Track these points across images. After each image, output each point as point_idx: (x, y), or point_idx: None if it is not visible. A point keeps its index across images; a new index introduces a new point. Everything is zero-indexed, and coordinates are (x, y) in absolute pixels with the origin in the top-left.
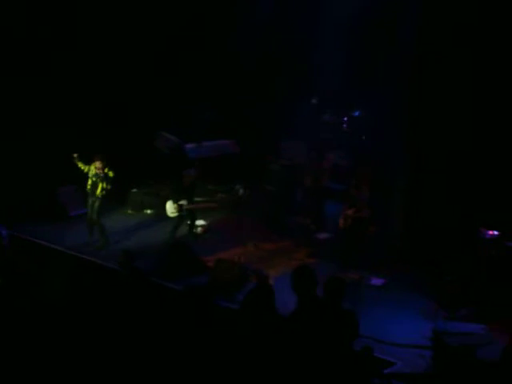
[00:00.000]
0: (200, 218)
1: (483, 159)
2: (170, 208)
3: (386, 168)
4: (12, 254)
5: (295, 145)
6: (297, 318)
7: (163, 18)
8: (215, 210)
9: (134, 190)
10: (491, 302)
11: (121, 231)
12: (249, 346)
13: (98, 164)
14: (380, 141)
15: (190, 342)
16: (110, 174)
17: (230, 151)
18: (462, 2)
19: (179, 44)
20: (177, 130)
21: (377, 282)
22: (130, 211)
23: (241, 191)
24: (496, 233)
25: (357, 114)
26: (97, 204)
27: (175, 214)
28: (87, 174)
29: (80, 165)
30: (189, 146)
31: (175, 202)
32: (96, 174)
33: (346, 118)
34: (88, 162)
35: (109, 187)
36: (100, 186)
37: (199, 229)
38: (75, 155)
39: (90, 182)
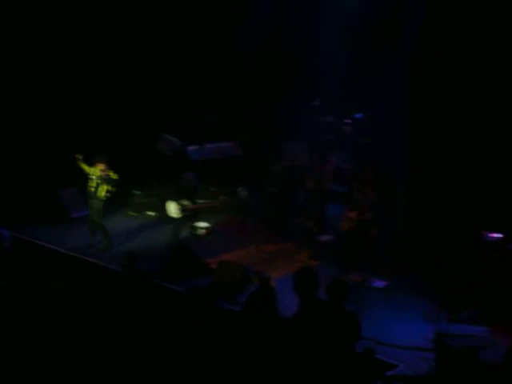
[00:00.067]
0: (203, 220)
1: (486, 162)
2: (173, 209)
3: (388, 171)
4: (14, 255)
5: (297, 146)
6: (299, 320)
7: (164, 18)
8: (217, 212)
9: (137, 192)
10: (493, 305)
11: (123, 233)
12: (251, 347)
13: (101, 166)
14: (382, 143)
15: (192, 344)
16: (114, 176)
17: (231, 153)
18: (464, 4)
19: (180, 45)
20: (179, 132)
21: (379, 284)
22: (132, 213)
23: (243, 193)
24: (498, 235)
25: (360, 116)
26: (99, 206)
27: (178, 215)
28: (89, 175)
29: (84, 166)
30: (191, 148)
31: (177, 202)
32: (100, 177)
33: (348, 120)
34: (90, 164)
35: (114, 189)
36: (104, 188)
37: (202, 231)
38: (79, 156)
39: (93, 184)
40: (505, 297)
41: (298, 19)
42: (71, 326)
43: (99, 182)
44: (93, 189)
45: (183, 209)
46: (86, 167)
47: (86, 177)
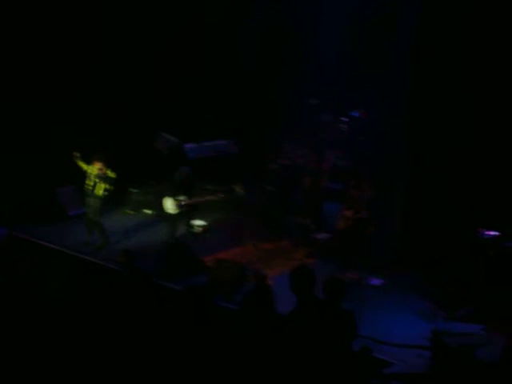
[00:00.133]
0: (200, 218)
1: (483, 160)
2: (169, 205)
3: (385, 168)
4: (12, 253)
5: (294, 145)
6: (295, 318)
7: (163, 17)
8: (214, 210)
9: (134, 190)
10: (490, 303)
11: (120, 231)
12: (248, 345)
13: (99, 165)
14: (379, 141)
15: (189, 342)
16: (111, 174)
17: (228, 151)
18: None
19: (179, 43)
20: (176, 130)
21: (376, 282)
22: (129, 211)
23: (240, 191)
24: (494, 233)
25: (356, 114)
26: (97, 204)
27: (174, 211)
28: (87, 174)
29: (81, 164)
30: (188, 145)
31: (174, 198)
32: (98, 175)
33: (345, 119)
34: (88, 162)
35: (111, 188)
36: (101, 186)
37: (199, 228)
38: (77, 154)
39: (90, 182)
40: (501, 295)
41: (295, 17)
42: (69, 324)
43: (97, 180)
44: (90, 187)
45: (180, 204)
46: (83, 165)
47: (83, 175)
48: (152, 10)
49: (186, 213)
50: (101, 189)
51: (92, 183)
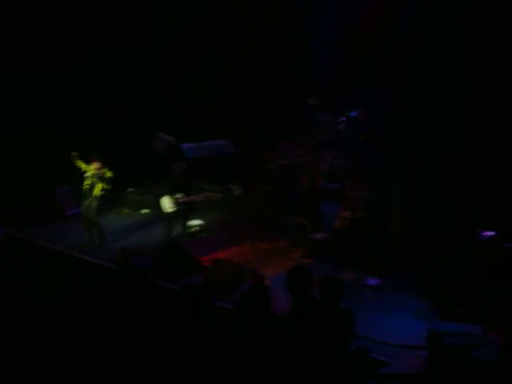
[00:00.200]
0: (197, 218)
1: (480, 160)
2: (167, 203)
3: (382, 168)
4: (9, 252)
5: (292, 145)
6: (292, 318)
7: (162, 17)
8: (212, 210)
9: (131, 190)
10: (487, 303)
11: (118, 231)
12: (244, 345)
13: (96, 164)
14: (377, 141)
15: (185, 342)
16: (108, 174)
17: (225, 151)
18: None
19: (177, 43)
20: (174, 130)
21: (372, 282)
22: (126, 211)
23: (237, 191)
24: (492, 233)
25: (354, 114)
26: (94, 204)
27: (172, 209)
28: (85, 173)
29: (79, 164)
30: (185, 145)
31: (171, 196)
32: (95, 175)
33: (343, 119)
34: (85, 162)
35: (108, 187)
36: (99, 186)
37: (196, 228)
38: (75, 154)
39: (88, 182)
40: (498, 295)
41: (292, 15)
42: (67, 323)
43: (94, 180)
44: (88, 187)
45: (177, 202)
46: (81, 165)
47: (80, 175)
48: (151, 10)
49: (183, 212)
50: (98, 188)
51: (90, 183)
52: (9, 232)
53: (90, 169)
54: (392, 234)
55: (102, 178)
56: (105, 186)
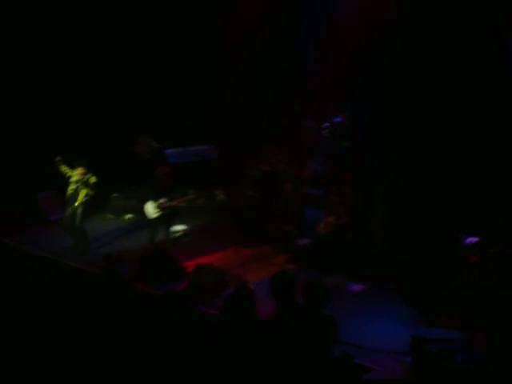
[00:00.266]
0: (180, 223)
1: (463, 164)
2: (150, 208)
3: (365, 174)
4: None
5: (276, 150)
6: (276, 324)
7: (142, 19)
8: (195, 215)
9: (115, 195)
10: (471, 309)
11: (102, 236)
12: (228, 351)
13: (80, 170)
14: (361, 147)
15: (167, 348)
16: (92, 179)
17: (209, 156)
18: (440, 11)
19: (162, 47)
20: (157, 135)
21: (356, 287)
22: (110, 216)
23: (221, 196)
24: (476, 239)
25: (338, 119)
26: (79, 210)
27: (156, 214)
28: (69, 179)
29: (63, 169)
30: (169, 150)
31: (155, 200)
32: (79, 180)
33: (327, 124)
34: (69, 167)
35: (92, 193)
36: (83, 191)
37: (179, 233)
38: (59, 158)
39: (71, 187)
40: (482, 301)
41: (276, 21)
42: (50, 329)
43: (78, 185)
44: (72, 192)
45: (161, 207)
46: (66, 170)
47: (64, 180)
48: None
49: (167, 217)
50: (83, 194)
51: (74, 188)
52: None
53: (74, 174)
54: (376, 239)
55: (86, 184)
56: (89, 192)
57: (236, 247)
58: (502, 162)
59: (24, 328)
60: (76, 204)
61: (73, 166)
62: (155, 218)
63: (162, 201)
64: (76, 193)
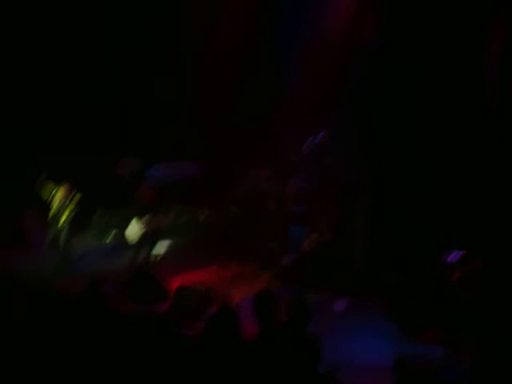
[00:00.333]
0: (164, 241)
1: (447, 181)
2: (134, 229)
3: (348, 190)
4: None
5: (259, 167)
6: (259, 342)
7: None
8: (179, 232)
9: (99, 214)
10: (454, 325)
11: (85, 256)
12: (211, 371)
13: (64, 189)
14: (343, 163)
15: (151, 370)
16: (76, 198)
17: (192, 173)
18: (419, 20)
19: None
20: (140, 153)
21: (340, 304)
22: (94, 235)
23: (205, 213)
24: (459, 255)
25: (320, 136)
26: (63, 229)
27: (139, 234)
28: (52, 198)
29: (48, 188)
30: (151, 168)
31: (139, 219)
32: (62, 199)
33: (309, 140)
34: (52, 187)
35: (76, 211)
36: (67, 210)
37: (163, 252)
38: (43, 176)
39: (56, 206)
40: (465, 317)
41: (261, 39)
42: (30, 350)
43: (62, 204)
44: (55, 211)
45: (144, 226)
46: (50, 189)
47: (48, 199)
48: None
49: (150, 236)
50: (67, 213)
51: (57, 208)
52: None
53: (58, 193)
54: (359, 256)
55: (69, 203)
56: (72, 211)
57: (220, 264)
58: (485, 176)
59: (5, 349)
60: (59, 224)
61: (56, 187)
62: (139, 238)
63: (145, 219)
64: (60, 212)
